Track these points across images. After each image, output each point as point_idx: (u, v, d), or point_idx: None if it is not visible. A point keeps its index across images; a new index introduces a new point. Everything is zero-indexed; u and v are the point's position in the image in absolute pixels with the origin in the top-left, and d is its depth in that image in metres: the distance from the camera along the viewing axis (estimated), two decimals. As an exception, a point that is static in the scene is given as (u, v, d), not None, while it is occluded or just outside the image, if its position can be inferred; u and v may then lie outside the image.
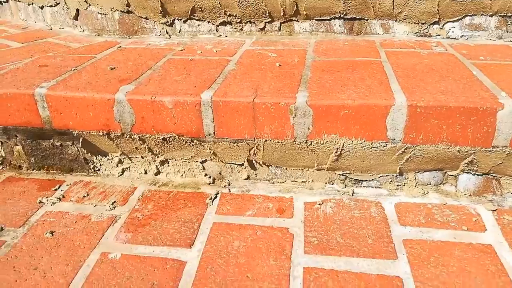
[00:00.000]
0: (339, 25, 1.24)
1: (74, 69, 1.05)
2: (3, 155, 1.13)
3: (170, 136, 0.92)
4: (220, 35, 1.31)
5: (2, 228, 0.88)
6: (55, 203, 0.96)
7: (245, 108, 0.85)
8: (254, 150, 0.91)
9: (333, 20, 1.24)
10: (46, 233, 0.85)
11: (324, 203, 0.90)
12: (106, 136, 0.95)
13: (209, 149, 0.93)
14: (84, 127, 0.94)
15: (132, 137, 0.94)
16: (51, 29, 1.56)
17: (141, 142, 0.95)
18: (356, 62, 1.05)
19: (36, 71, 1.05)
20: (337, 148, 0.87)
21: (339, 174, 0.94)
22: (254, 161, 0.95)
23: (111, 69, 1.04)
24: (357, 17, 1.22)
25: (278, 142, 0.88)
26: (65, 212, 0.92)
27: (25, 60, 1.16)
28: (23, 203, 0.96)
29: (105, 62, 1.10)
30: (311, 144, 0.87)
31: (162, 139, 0.93)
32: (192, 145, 0.93)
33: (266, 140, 0.88)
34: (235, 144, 0.91)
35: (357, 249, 0.77)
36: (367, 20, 1.22)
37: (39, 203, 0.96)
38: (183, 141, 0.93)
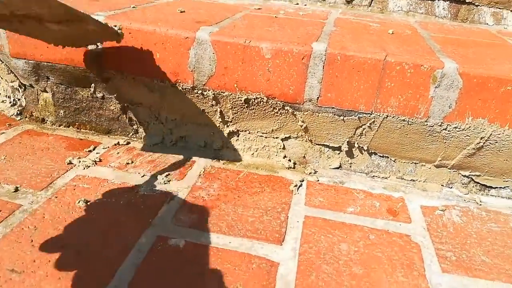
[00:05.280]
0: (443, 8, 1.05)
1: (133, 7, 0.84)
2: (23, 105, 0.90)
3: (257, 98, 0.70)
4: (298, 3, 1.11)
5: (17, 188, 0.65)
6: (89, 166, 0.73)
7: (372, 68, 0.64)
8: (364, 129, 0.70)
9: (437, 0, 1.04)
10: (79, 202, 0.63)
11: (447, 209, 0.68)
12: (170, 88, 0.73)
13: (302, 121, 0.71)
14: (145, 72, 0.73)
15: (205, 93, 0.72)
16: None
17: (214, 102, 0.73)
18: (486, 43, 0.84)
19: (86, 2, 0.84)
20: (481, 138, 0.65)
21: (464, 176, 0.72)
22: (356, 145, 0.73)
23: (181, 12, 0.83)
24: (466, 0, 1.03)
25: (403, 120, 0.66)
26: (103, 179, 0.70)
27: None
28: (46, 162, 0.73)
29: (169, 6, 0.89)
30: (446, 129, 0.66)
31: (244, 100, 0.71)
32: (280, 113, 0.72)
33: (387, 116, 0.67)
34: (341, 117, 0.69)
35: (514, 274, 0.55)
36: (477, 6, 1.03)
37: (68, 163, 0.73)
38: (270, 106, 0.71)
